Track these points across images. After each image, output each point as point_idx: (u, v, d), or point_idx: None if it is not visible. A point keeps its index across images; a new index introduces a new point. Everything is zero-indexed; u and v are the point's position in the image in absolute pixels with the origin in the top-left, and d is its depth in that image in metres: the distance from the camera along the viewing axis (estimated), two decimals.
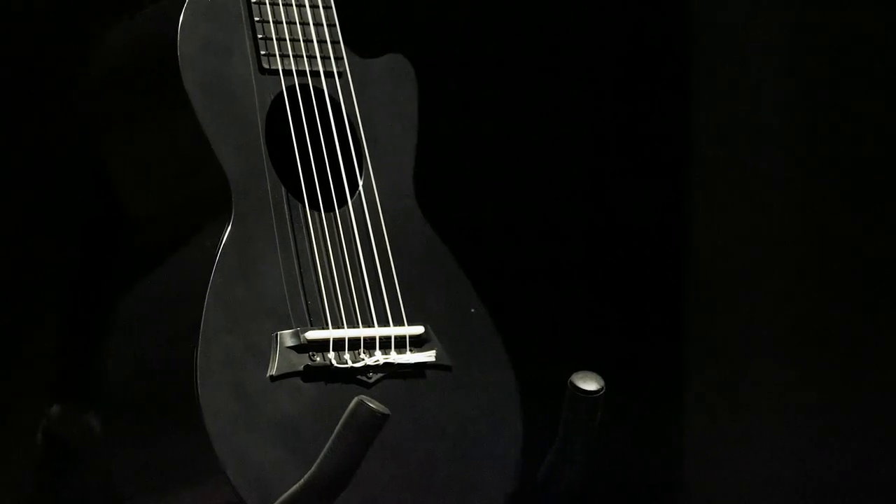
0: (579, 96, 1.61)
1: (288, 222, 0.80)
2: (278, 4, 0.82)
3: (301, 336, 0.77)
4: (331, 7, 0.85)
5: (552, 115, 1.58)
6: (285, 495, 0.72)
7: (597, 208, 1.62)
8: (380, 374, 0.80)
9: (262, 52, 0.81)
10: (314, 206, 0.81)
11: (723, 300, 1.66)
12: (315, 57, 0.83)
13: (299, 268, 0.80)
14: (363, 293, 0.81)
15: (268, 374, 0.76)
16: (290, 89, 0.81)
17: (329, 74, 0.84)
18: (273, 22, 0.82)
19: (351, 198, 0.83)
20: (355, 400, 0.70)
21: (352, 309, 0.81)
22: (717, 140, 1.75)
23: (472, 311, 0.83)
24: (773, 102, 1.75)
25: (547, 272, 1.44)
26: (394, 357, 0.80)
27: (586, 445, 0.81)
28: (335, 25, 0.85)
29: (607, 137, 1.67)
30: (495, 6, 1.54)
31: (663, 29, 1.73)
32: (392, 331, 0.81)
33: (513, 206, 1.40)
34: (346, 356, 0.79)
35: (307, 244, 0.80)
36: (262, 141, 0.80)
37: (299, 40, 0.83)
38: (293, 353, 0.77)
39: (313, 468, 0.71)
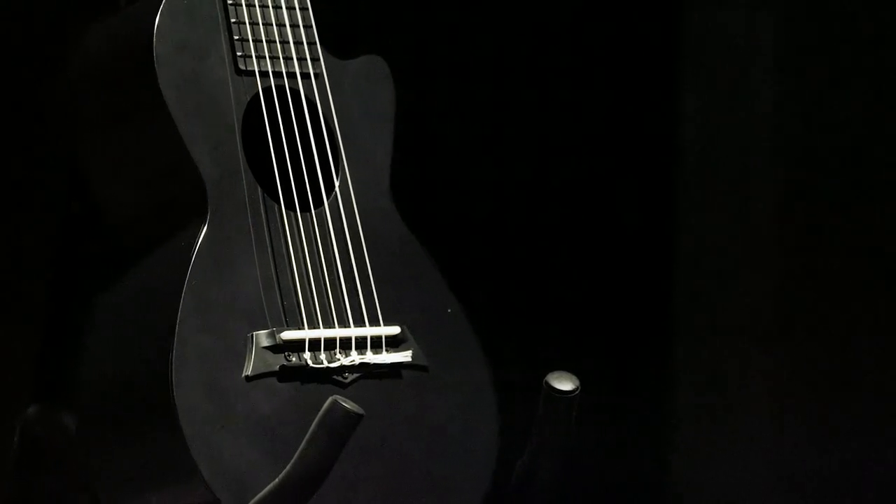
0: (568, 97, 1.60)
1: (264, 223, 0.80)
2: (254, 5, 0.82)
3: (277, 336, 0.77)
4: (307, 8, 0.85)
5: (540, 115, 1.58)
6: (260, 495, 0.73)
7: (585, 208, 1.61)
8: (356, 375, 0.80)
9: (239, 54, 0.81)
10: (290, 206, 0.81)
11: (710, 300, 1.69)
12: (291, 58, 0.83)
13: (275, 268, 0.80)
14: (339, 293, 0.81)
15: (243, 375, 0.76)
16: (267, 90, 0.82)
17: (305, 76, 0.84)
18: (249, 23, 0.82)
19: (327, 198, 0.83)
20: (329, 400, 0.70)
21: (328, 309, 0.81)
22: (706, 140, 1.76)
23: (448, 310, 0.81)
24: (762, 103, 1.76)
25: (535, 272, 1.45)
26: (370, 357, 0.80)
27: (562, 445, 0.81)
28: (311, 26, 0.85)
29: (597, 138, 1.67)
30: (483, 7, 1.54)
31: (655, 31, 1.74)
32: (368, 331, 0.81)
33: (498, 206, 1.41)
34: (322, 356, 0.79)
35: (283, 245, 0.80)
36: (238, 142, 0.80)
37: (276, 41, 0.83)
38: (269, 353, 0.77)
39: (287, 468, 0.71)
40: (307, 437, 0.71)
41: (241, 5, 0.82)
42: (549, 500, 0.84)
